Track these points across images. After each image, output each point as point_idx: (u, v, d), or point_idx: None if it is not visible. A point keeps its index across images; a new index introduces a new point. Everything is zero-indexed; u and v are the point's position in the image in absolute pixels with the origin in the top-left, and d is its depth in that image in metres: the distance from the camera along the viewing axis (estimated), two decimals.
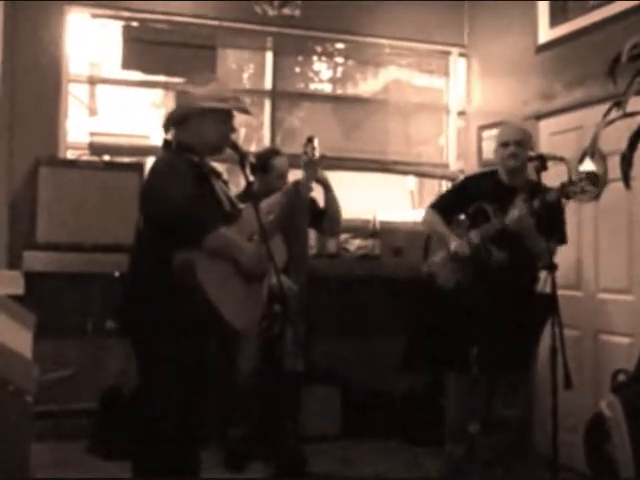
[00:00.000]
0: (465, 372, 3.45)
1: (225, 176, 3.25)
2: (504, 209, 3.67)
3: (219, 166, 3.76)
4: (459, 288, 3.72)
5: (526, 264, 3.72)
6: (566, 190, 3.43)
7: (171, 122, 2.99)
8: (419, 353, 3.01)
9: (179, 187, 2.73)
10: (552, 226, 3.63)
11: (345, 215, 4.45)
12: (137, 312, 2.85)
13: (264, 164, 4.31)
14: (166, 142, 3.00)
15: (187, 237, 2.69)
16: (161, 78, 5.33)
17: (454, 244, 3.78)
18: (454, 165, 5.84)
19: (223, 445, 4.37)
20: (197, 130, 2.92)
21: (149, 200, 2.86)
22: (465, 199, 3.91)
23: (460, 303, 3.24)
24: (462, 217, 3.88)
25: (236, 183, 5.00)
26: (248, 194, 3.12)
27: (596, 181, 3.39)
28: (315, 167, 3.61)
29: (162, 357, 2.79)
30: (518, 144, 3.79)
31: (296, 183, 3.56)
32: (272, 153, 4.44)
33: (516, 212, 3.57)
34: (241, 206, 3.05)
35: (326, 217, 4.35)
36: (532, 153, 3.46)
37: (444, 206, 4.03)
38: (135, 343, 2.89)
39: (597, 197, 4.30)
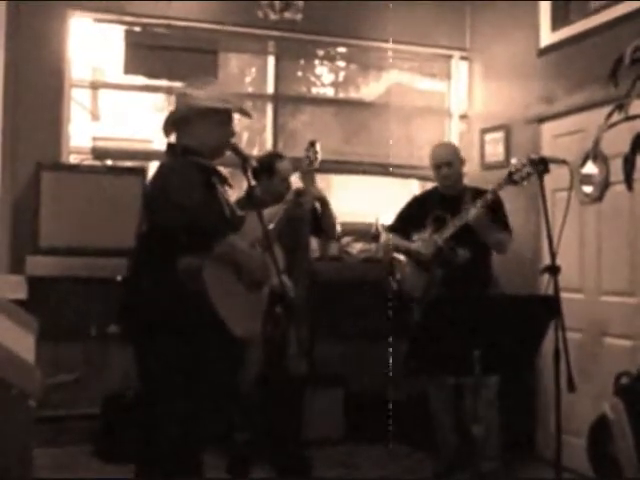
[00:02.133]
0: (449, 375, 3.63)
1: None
2: (455, 214, 4.08)
3: (221, 170, 3.76)
4: (428, 294, 4.08)
5: (483, 258, 4.20)
6: (512, 177, 3.77)
7: (171, 124, 2.99)
8: (420, 357, 3.03)
9: (189, 193, 2.71)
10: (499, 220, 4.15)
11: (347, 218, 4.48)
12: (139, 316, 2.85)
13: (267, 168, 4.31)
14: (170, 146, 3.00)
15: (198, 243, 2.68)
16: (163, 82, 5.34)
17: (415, 245, 4.21)
18: None
19: (227, 449, 4.36)
20: (197, 132, 2.92)
21: (158, 206, 2.82)
22: (416, 215, 4.31)
23: (437, 308, 3.28)
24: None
25: (238, 187, 5.02)
26: (250, 197, 3.13)
27: (539, 164, 3.51)
28: (312, 176, 3.64)
29: (164, 361, 2.79)
30: (448, 165, 4.26)
31: (297, 195, 3.58)
32: (275, 157, 4.44)
33: (473, 210, 3.95)
34: (240, 213, 3.04)
35: (322, 231, 4.41)
36: (534, 156, 3.50)
37: (399, 226, 4.44)
38: (137, 347, 2.89)
39: (599, 199, 4.30)
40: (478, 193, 4.12)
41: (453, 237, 4.06)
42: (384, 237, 4.57)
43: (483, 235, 4.04)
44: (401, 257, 4.30)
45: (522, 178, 3.72)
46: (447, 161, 4.27)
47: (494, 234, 4.10)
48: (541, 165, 3.38)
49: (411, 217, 4.38)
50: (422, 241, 4.21)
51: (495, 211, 4.10)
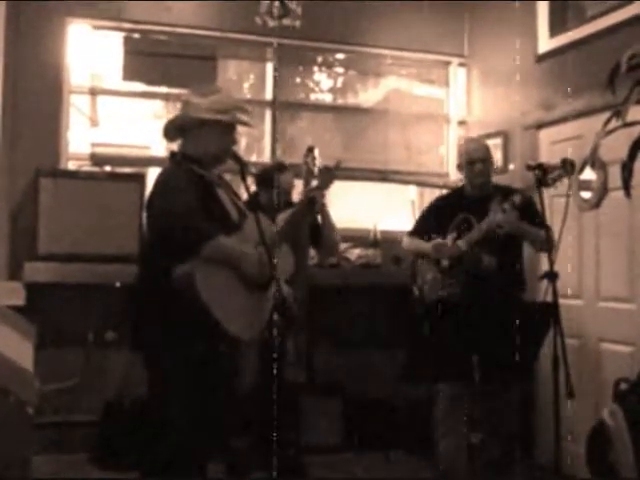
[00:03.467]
0: (464, 382, 3.49)
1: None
2: (481, 217, 3.80)
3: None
4: (450, 300, 3.82)
5: (514, 269, 3.91)
6: (544, 180, 3.51)
7: (171, 131, 3.01)
8: (419, 364, 3.02)
9: (176, 199, 2.74)
10: (532, 220, 3.78)
11: (346, 225, 4.45)
12: (143, 323, 2.86)
13: (270, 179, 4.31)
14: (172, 154, 3.03)
15: (184, 247, 2.69)
16: (162, 89, 5.35)
17: (432, 243, 3.92)
18: (454, 174, 5.84)
19: (225, 456, 4.36)
20: (198, 141, 2.95)
21: (150, 212, 2.90)
22: (439, 219, 4.04)
23: (455, 313, 3.26)
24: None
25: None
26: (250, 204, 3.13)
27: (569, 167, 3.44)
28: (332, 177, 3.48)
29: (168, 367, 2.80)
30: (483, 161, 3.99)
31: (311, 199, 3.43)
32: (278, 168, 4.43)
33: (499, 214, 3.71)
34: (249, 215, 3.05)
35: (323, 244, 4.35)
36: (532, 162, 3.48)
37: (421, 230, 4.15)
38: (143, 354, 2.90)
39: (597, 206, 4.30)
40: (510, 193, 3.89)
41: (479, 243, 3.82)
42: (405, 242, 4.26)
43: (520, 236, 3.84)
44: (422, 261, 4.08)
45: (554, 180, 3.50)
46: (483, 157, 4.02)
47: (531, 232, 3.82)
48: (539, 171, 3.38)
49: (433, 220, 4.13)
50: (439, 245, 3.93)
51: (526, 211, 3.81)
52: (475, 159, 4.02)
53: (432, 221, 4.14)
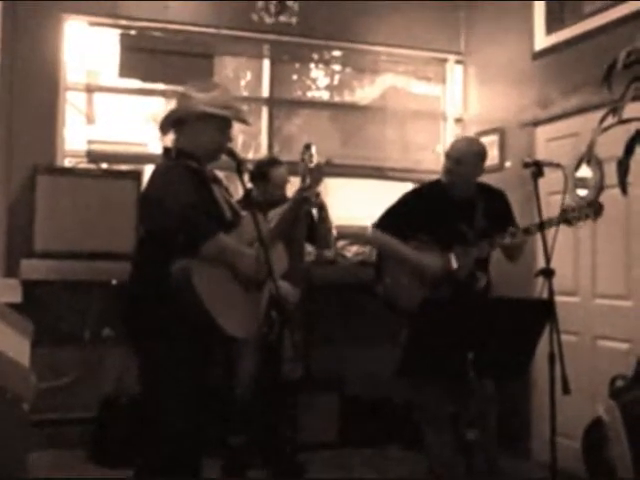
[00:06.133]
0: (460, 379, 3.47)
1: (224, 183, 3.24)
2: (465, 221, 3.72)
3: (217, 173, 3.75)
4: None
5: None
6: (567, 216, 3.48)
7: (169, 124, 2.99)
8: (415, 360, 3.02)
9: (177, 196, 2.73)
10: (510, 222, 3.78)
11: (342, 222, 4.45)
12: (139, 320, 2.85)
13: (263, 173, 4.32)
14: (166, 149, 3.01)
15: (185, 245, 2.69)
16: (159, 86, 5.34)
17: (431, 268, 3.74)
18: None
19: (222, 453, 4.36)
20: (194, 136, 2.93)
21: (148, 210, 2.87)
22: (417, 215, 3.85)
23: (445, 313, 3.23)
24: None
25: (233, 191, 5.02)
26: (246, 201, 3.13)
27: (598, 208, 3.41)
28: (321, 175, 3.48)
29: (163, 365, 2.79)
30: (456, 161, 3.80)
31: (305, 197, 3.42)
32: (271, 163, 4.44)
33: (508, 238, 3.62)
34: (243, 213, 3.05)
35: (318, 236, 4.35)
36: (528, 159, 3.46)
37: (394, 225, 3.90)
38: (137, 351, 2.89)
39: None
40: (490, 196, 3.87)
41: (475, 261, 3.72)
42: (375, 235, 3.97)
43: (514, 255, 3.79)
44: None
45: (577, 219, 3.48)
46: (456, 156, 3.81)
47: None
48: (535, 169, 3.37)
49: (408, 218, 3.89)
50: (434, 257, 3.75)
51: (504, 215, 3.81)
52: (448, 155, 3.87)
53: (408, 217, 3.90)
